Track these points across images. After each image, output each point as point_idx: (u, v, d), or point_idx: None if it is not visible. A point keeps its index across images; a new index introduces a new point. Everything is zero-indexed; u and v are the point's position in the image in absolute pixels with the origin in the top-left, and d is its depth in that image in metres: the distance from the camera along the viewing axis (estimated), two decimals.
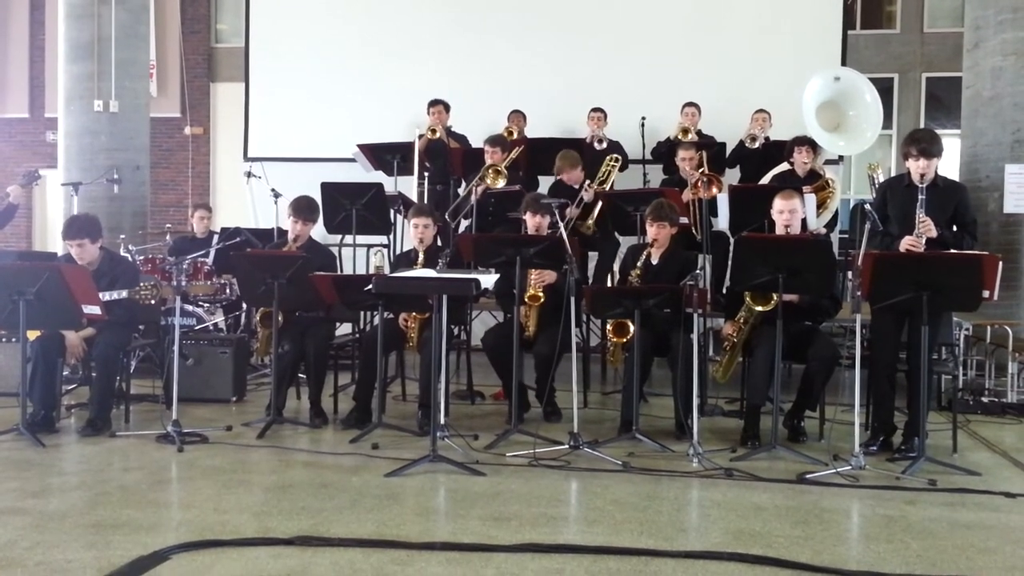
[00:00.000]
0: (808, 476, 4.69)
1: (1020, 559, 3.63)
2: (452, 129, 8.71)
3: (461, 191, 7.97)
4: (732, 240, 6.27)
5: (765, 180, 7.62)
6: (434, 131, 8.41)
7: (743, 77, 9.33)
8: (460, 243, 5.92)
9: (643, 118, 8.97)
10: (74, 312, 5.22)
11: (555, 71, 9.62)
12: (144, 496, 4.30)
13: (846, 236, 8.37)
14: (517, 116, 8.94)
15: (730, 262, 5.55)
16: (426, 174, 8.40)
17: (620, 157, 8.12)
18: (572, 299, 5.27)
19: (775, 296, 5.14)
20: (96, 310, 5.27)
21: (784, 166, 7.67)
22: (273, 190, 8.45)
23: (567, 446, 5.09)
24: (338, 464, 4.93)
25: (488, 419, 6.10)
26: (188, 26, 15.01)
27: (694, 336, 5.26)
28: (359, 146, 8.47)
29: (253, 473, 4.77)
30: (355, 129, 9.17)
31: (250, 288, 5.92)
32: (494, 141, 7.73)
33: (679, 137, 8.38)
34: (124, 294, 5.53)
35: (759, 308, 5.31)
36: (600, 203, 7.39)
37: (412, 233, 6.09)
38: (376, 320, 5.86)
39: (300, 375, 6.50)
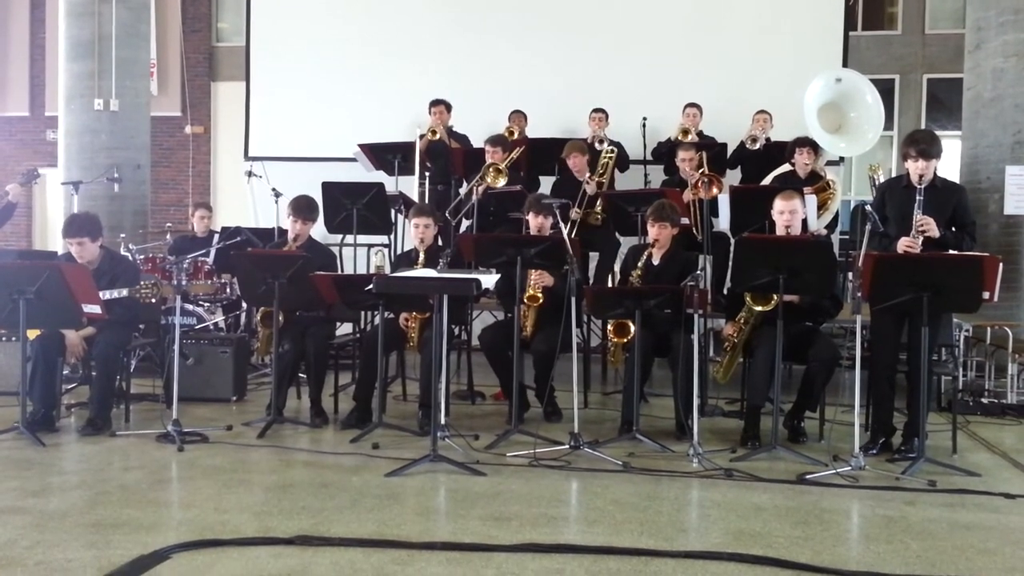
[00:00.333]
0: (808, 477, 4.69)
1: (1019, 560, 3.63)
2: (453, 129, 8.72)
3: (462, 191, 7.98)
4: (733, 241, 6.27)
5: (766, 181, 7.62)
6: (435, 132, 8.41)
7: (744, 78, 9.33)
8: (461, 243, 5.92)
9: (644, 118, 8.98)
10: (74, 311, 5.22)
11: (555, 71, 9.63)
12: (144, 495, 4.30)
13: (847, 237, 8.38)
14: (518, 116, 8.94)
15: (731, 263, 5.54)
16: (427, 174, 8.41)
17: (615, 148, 8.18)
18: (573, 299, 5.27)
19: (775, 297, 5.14)
20: (96, 309, 5.27)
21: (785, 167, 7.66)
22: (274, 189, 8.46)
23: (567, 446, 5.09)
24: (338, 464, 4.93)
25: (488, 419, 6.10)
26: (189, 25, 14.98)
27: (695, 336, 5.26)
28: (360, 146, 8.46)
29: (253, 473, 4.77)
30: (356, 129, 9.17)
31: (250, 287, 5.92)
32: (495, 141, 7.75)
33: (679, 138, 8.39)
34: (124, 293, 5.52)
35: (759, 309, 5.31)
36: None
37: (413, 233, 6.09)
38: (376, 320, 5.86)
39: (300, 375, 6.50)
